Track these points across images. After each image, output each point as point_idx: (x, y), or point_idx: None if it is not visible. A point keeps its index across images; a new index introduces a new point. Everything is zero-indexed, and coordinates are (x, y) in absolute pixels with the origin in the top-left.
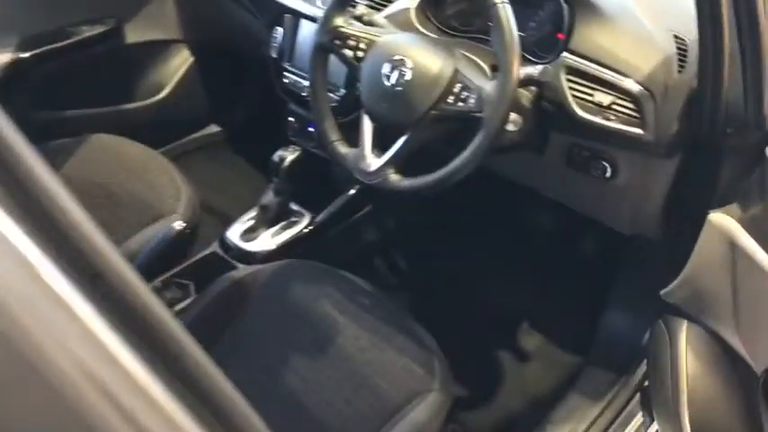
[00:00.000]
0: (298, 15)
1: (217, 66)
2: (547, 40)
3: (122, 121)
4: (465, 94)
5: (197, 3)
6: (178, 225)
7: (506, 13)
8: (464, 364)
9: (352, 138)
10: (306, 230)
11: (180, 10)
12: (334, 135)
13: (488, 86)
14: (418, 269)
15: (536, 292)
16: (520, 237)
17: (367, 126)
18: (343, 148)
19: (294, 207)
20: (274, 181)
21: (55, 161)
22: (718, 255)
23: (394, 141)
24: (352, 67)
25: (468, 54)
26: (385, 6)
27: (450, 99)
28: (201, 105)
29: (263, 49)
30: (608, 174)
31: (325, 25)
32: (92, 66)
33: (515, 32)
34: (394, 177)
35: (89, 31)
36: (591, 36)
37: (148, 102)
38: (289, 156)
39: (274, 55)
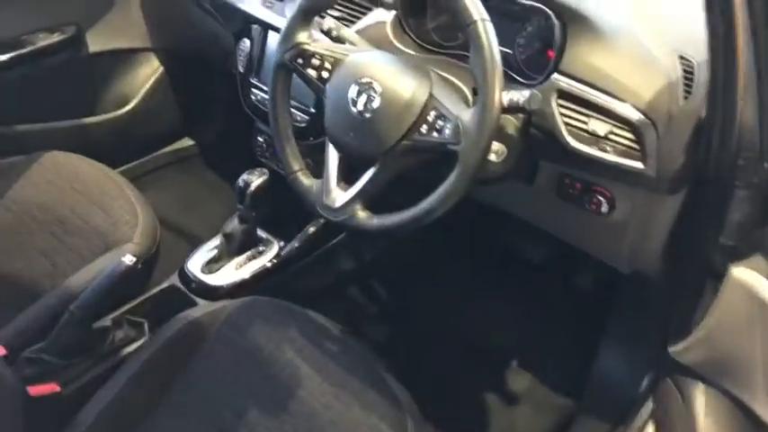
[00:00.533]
0: (265, 26)
1: (189, 75)
2: (536, 58)
3: (83, 137)
4: (440, 123)
5: (164, 9)
6: (128, 260)
7: (486, 33)
8: (445, 405)
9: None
10: (274, 260)
11: (146, 16)
12: (295, 164)
13: (466, 115)
14: (397, 299)
15: (525, 328)
16: (508, 266)
17: (332, 156)
18: (306, 180)
19: (262, 234)
20: (239, 208)
21: (1, 182)
22: (743, 315)
23: (362, 173)
24: (317, 89)
25: (447, 75)
26: (358, 19)
27: (424, 129)
28: (173, 117)
29: (231, 61)
30: (603, 209)
31: (287, 41)
32: (49, 77)
33: (497, 55)
34: (362, 215)
35: (46, 40)
36: (585, 56)
37: (114, 114)
38: (255, 180)
39: (241, 69)
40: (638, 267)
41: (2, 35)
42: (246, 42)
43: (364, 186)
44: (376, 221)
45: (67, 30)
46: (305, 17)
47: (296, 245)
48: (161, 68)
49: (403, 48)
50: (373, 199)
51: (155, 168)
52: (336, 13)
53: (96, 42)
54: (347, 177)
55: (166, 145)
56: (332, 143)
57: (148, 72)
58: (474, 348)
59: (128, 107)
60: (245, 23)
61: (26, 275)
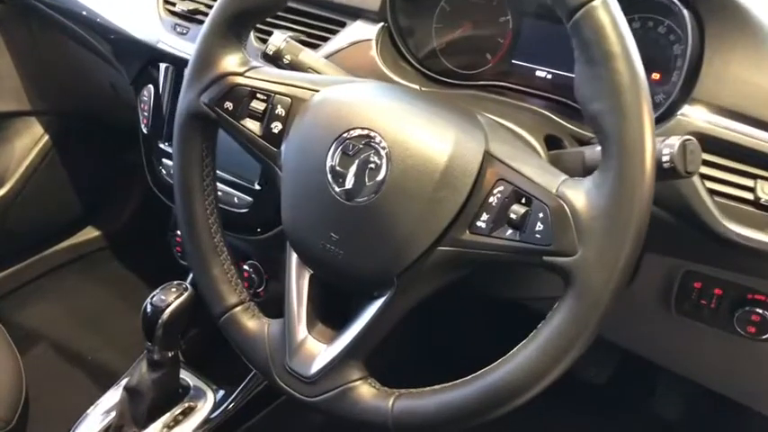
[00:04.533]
0: (177, 63)
1: (87, 143)
2: None
3: None
4: (518, 209)
5: (42, 57)
6: None
7: (615, 23)
8: None
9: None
10: (210, 423)
11: (19, 69)
12: (229, 295)
13: (578, 193)
14: None
15: None
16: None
17: (298, 277)
18: (250, 322)
19: (188, 379)
20: (147, 347)
21: None
22: None
23: (358, 306)
24: (264, 153)
25: (504, 122)
26: (324, 41)
27: (483, 221)
28: (69, 201)
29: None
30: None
31: (202, 72)
32: None
33: (640, 68)
34: (365, 391)
35: None
36: (739, 73)
37: None
38: (170, 301)
39: (144, 130)
40: None
41: None
42: (150, 90)
43: (365, 332)
44: (400, 405)
45: None
46: (231, 27)
47: (243, 392)
48: (46, 137)
49: (402, 82)
50: (381, 355)
51: (43, 273)
52: (289, 34)
53: None
54: (329, 315)
55: (61, 239)
56: (297, 253)
57: (28, 143)
58: None
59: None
60: (148, 62)
61: None
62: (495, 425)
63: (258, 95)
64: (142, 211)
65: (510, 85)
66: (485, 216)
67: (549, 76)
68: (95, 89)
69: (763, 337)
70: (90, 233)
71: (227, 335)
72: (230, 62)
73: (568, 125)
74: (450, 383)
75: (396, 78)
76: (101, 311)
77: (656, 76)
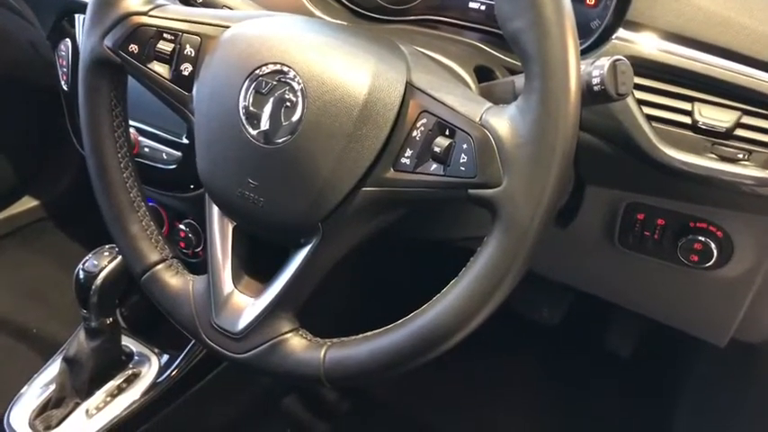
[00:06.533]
0: None
1: (15, 109)
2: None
3: None
4: (442, 141)
5: None
6: None
7: None
8: None
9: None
10: (154, 390)
11: None
12: (151, 253)
13: (502, 120)
14: (360, 407)
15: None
16: (514, 332)
17: (220, 228)
18: (173, 280)
19: (131, 346)
20: (83, 315)
21: None
22: None
23: (285, 255)
24: (176, 99)
25: (432, 54)
26: None
27: (407, 157)
28: (1, 172)
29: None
30: (710, 260)
31: (103, 14)
32: None
33: None
34: (295, 343)
35: None
36: None
37: None
38: (103, 266)
39: (64, 86)
40: (745, 338)
41: None
42: (68, 44)
43: (293, 283)
44: (332, 355)
45: None
46: None
47: (189, 356)
48: None
49: (327, 18)
50: (310, 305)
51: None
52: None
53: None
54: (256, 268)
55: None
56: (216, 204)
57: None
58: None
59: None
60: (63, 14)
61: None
62: (445, 368)
63: (165, 36)
64: (81, 177)
65: (444, 19)
66: (408, 152)
67: (483, 8)
68: (16, 49)
69: (706, 265)
70: (27, 203)
71: (149, 294)
72: (133, 1)
73: (501, 56)
74: (382, 329)
75: (322, 15)
76: (43, 284)
77: (590, 1)
